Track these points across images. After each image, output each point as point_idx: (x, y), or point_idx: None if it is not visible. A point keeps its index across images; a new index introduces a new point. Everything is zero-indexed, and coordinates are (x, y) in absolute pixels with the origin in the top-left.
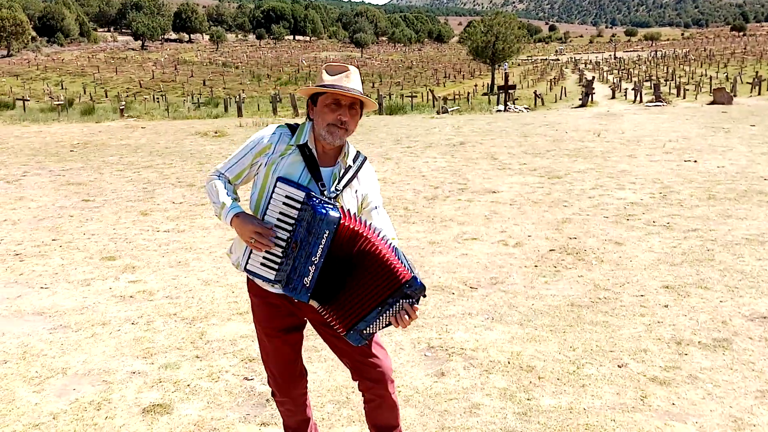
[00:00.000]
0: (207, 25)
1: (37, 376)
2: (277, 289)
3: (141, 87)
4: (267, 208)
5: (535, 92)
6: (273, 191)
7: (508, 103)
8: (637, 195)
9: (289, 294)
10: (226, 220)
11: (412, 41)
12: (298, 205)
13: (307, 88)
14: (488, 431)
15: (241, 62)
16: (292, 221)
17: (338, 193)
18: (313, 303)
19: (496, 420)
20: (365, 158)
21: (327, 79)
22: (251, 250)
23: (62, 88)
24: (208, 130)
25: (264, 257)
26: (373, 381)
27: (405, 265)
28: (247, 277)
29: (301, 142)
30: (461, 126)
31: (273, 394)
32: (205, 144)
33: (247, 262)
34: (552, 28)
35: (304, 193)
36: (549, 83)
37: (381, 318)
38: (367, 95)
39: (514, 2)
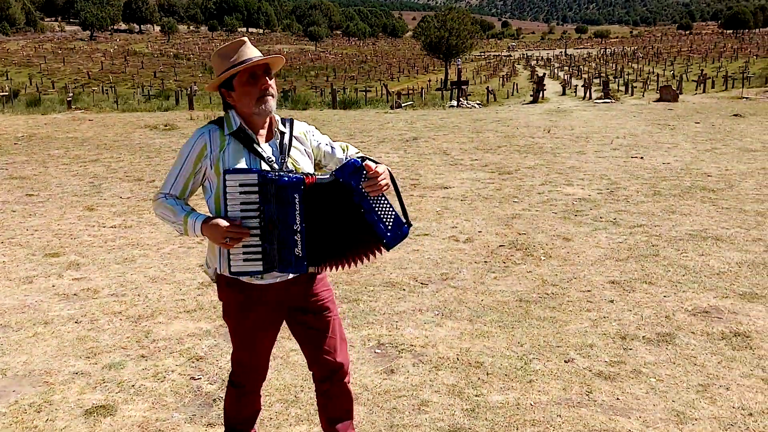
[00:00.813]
0: (158, 15)
1: None
2: (266, 280)
3: (89, 78)
4: (227, 204)
5: (487, 88)
6: (225, 186)
7: (461, 98)
8: (585, 191)
9: (286, 271)
10: (194, 233)
11: (367, 35)
12: (256, 188)
13: (216, 80)
14: (436, 428)
15: (193, 54)
16: (256, 205)
17: (284, 161)
18: (312, 269)
19: (445, 417)
20: (292, 119)
21: (225, 62)
22: (228, 253)
23: (7, 79)
24: (158, 123)
25: (244, 252)
26: (334, 370)
27: (329, 173)
28: (228, 278)
29: (234, 129)
30: (414, 121)
31: (236, 386)
32: (155, 137)
33: (230, 265)
34: (505, 25)
35: (256, 174)
36: (501, 79)
37: (374, 209)
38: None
39: None
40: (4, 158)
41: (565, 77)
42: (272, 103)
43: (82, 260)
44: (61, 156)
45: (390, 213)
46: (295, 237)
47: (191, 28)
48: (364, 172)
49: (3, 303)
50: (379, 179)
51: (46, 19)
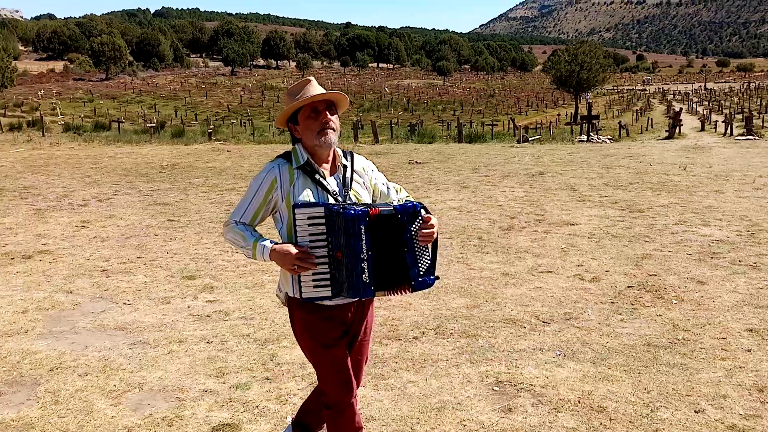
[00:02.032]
0: (294, 52)
1: (115, 390)
2: (334, 302)
3: (229, 111)
4: (296, 235)
5: (619, 123)
6: (295, 219)
7: (591, 133)
8: (723, 232)
9: (356, 296)
10: (263, 258)
11: (495, 69)
12: (323, 220)
13: (283, 113)
14: None
15: (325, 89)
16: (324, 236)
17: (347, 193)
18: (380, 294)
19: None
20: (352, 152)
21: (293, 97)
22: (300, 280)
23: (155, 111)
24: None
25: (314, 280)
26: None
27: (391, 206)
28: (296, 303)
29: (301, 163)
30: (541, 156)
31: (331, 406)
32: None
33: (301, 291)
34: (640, 58)
35: (323, 207)
36: (635, 114)
37: (416, 252)
38: (337, 90)
39: (600, 31)
40: (149, 185)
41: (704, 112)
42: (332, 136)
43: (215, 283)
44: (200, 184)
45: (426, 260)
46: (362, 265)
47: (324, 63)
48: (420, 217)
49: (143, 321)
50: (430, 228)
51: (191, 56)
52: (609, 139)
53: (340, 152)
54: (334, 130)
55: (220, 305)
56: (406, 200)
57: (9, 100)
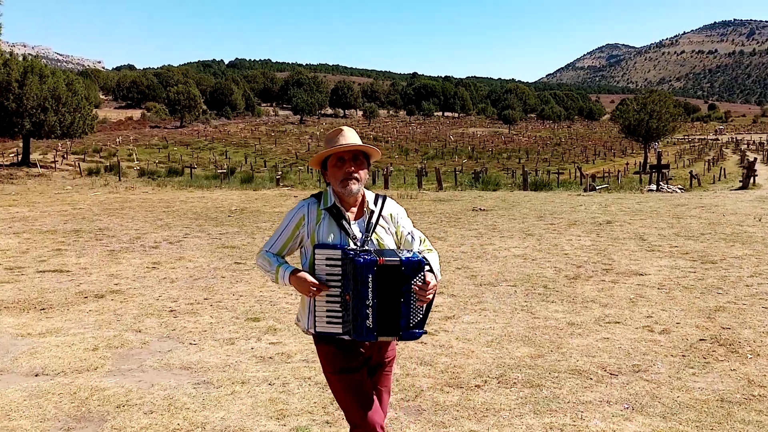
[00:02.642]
0: (361, 101)
1: (178, 429)
2: (347, 336)
3: (297, 158)
4: (315, 272)
5: (690, 172)
6: (315, 258)
7: (660, 182)
8: None
9: (359, 339)
10: (284, 282)
11: (562, 118)
12: (339, 262)
13: (314, 158)
14: None
15: (390, 137)
16: (339, 276)
17: (369, 238)
18: (384, 339)
19: None
20: (385, 197)
21: (328, 145)
22: (315, 315)
23: (226, 158)
24: None
25: (327, 315)
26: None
27: (398, 257)
28: (316, 334)
29: (328, 205)
30: (609, 204)
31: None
32: None
33: (315, 325)
34: (711, 107)
35: (339, 251)
36: (707, 164)
37: (412, 306)
38: (368, 144)
39: (670, 81)
40: (218, 229)
41: None
42: (354, 186)
43: (279, 326)
44: (267, 228)
45: (418, 315)
46: (367, 311)
47: (391, 112)
48: (422, 274)
49: (208, 361)
50: (428, 289)
51: (262, 105)
52: (679, 188)
53: (371, 197)
54: (357, 180)
55: (283, 347)
56: (418, 253)
57: (89, 146)
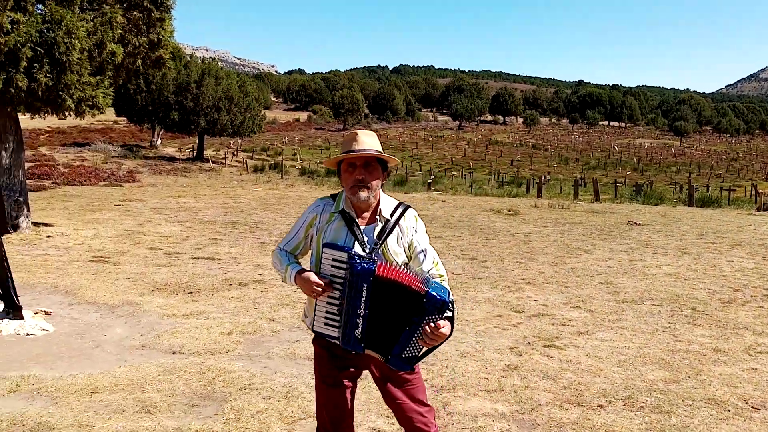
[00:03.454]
0: (522, 108)
1: (291, 416)
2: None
3: (452, 164)
4: (320, 272)
5: None
6: (322, 256)
7: None
8: None
9: (345, 347)
10: (291, 281)
11: (741, 132)
12: (344, 265)
13: (328, 160)
14: None
15: (551, 145)
16: (341, 280)
17: (377, 247)
18: (370, 352)
19: None
20: (407, 207)
21: (344, 148)
22: (315, 312)
23: None
24: (502, 208)
25: (326, 317)
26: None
27: (424, 286)
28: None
29: (340, 209)
30: None
31: None
32: (497, 221)
33: (314, 324)
34: None
35: (346, 254)
36: None
37: (414, 340)
38: (386, 152)
39: None
40: None
41: None
42: (363, 194)
43: None
44: None
45: (415, 350)
46: (357, 320)
47: (553, 120)
48: (439, 315)
49: None
50: (436, 334)
51: (423, 110)
52: None
53: (389, 205)
54: (368, 188)
55: None
56: (442, 285)
57: (257, 145)
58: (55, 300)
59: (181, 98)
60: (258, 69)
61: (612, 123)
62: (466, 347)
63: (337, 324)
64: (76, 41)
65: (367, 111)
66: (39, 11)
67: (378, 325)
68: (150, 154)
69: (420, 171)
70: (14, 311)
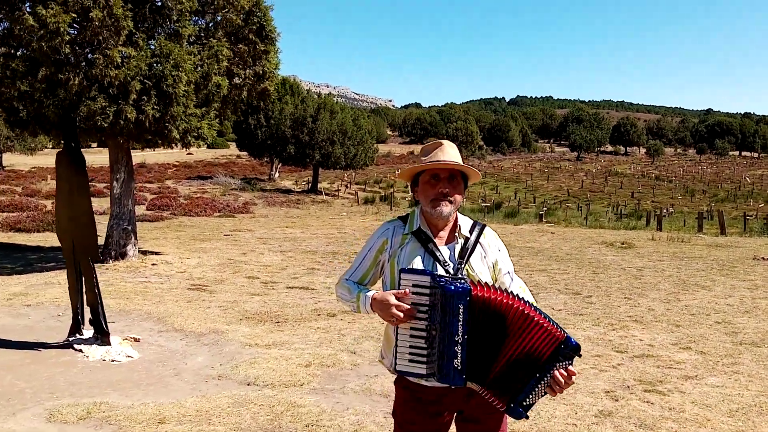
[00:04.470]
0: (645, 138)
1: None
2: (431, 382)
3: (568, 195)
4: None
5: None
6: (399, 284)
7: None
8: None
9: (444, 382)
10: (366, 309)
11: None
12: (427, 290)
13: (405, 172)
14: None
15: (675, 176)
16: (426, 307)
17: (461, 267)
18: (472, 385)
19: None
20: (484, 225)
21: (423, 159)
22: (396, 351)
23: (496, 193)
24: (615, 240)
25: (410, 353)
26: None
27: (555, 325)
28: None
29: (414, 229)
30: None
31: None
32: (608, 254)
33: (396, 363)
34: None
35: (429, 277)
36: None
37: (540, 385)
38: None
39: None
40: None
41: None
42: (446, 209)
43: None
44: (513, 263)
45: (538, 397)
46: (456, 348)
47: (678, 150)
48: (571, 360)
49: None
50: (571, 383)
51: (539, 141)
52: None
53: (466, 223)
54: (451, 202)
55: None
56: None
57: (371, 177)
58: (146, 327)
59: (297, 132)
60: (375, 103)
61: (743, 153)
62: None
63: (424, 359)
64: (183, 74)
65: (481, 143)
66: (149, 46)
67: (484, 354)
68: (267, 187)
69: (534, 203)
70: (102, 337)
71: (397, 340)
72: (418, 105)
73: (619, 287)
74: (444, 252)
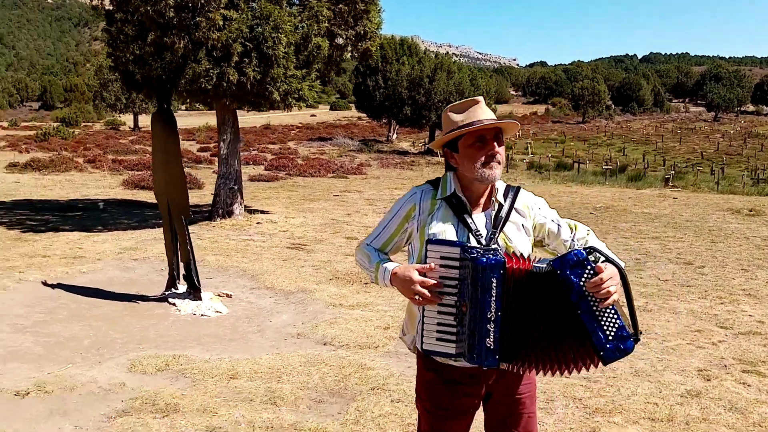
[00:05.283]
0: None
1: (412, 425)
2: (460, 363)
3: (702, 158)
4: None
5: None
6: (426, 255)
7: None
8: None
9: (475, 363)
10: (384, 282)
11: None
12: (457, 263)
13: (442, 138)
14: None
15: None
16: (455, 281)
17: (495, 236)
18: (504, 365)
19: None
20: (519, 188)
21: (458, 119)
22: (423, 326)
23: (623, 154)
24: (742, 207)
25: (438, 330)
26: None
27: (545, 264)
28: (420, 353)
29: (447, 194)
30: None
31: None
32: (732, 222)
33: (422, 341)
34: None
35: (459, 248)
36: None
37: (594, 312)
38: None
39: None
40: None
41: None
42: (498, 171)
43: None
44: (625, 229)
45: (614, 321)
46: (488, 326)
47: None
48: (589, 267)
49: None
50: (604, 282)
51: (673, 101)
52: None
53: (501, 187)
54: (500, 163)
55: None
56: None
57: None
58: (240, 283)
59: (413, 93)
60: (499, 63)
61: None
62: (643, 365)
63: (454, 338)
64: (283, 36)
65: (609, 102)
66: (250, 8)
67: (521, 329)
68: (384, 149)
69: (663, 166)
70: (194, 292)
71: (423, 316)
72: (543, 64)
73: (738, 258)
74: (479, 220)
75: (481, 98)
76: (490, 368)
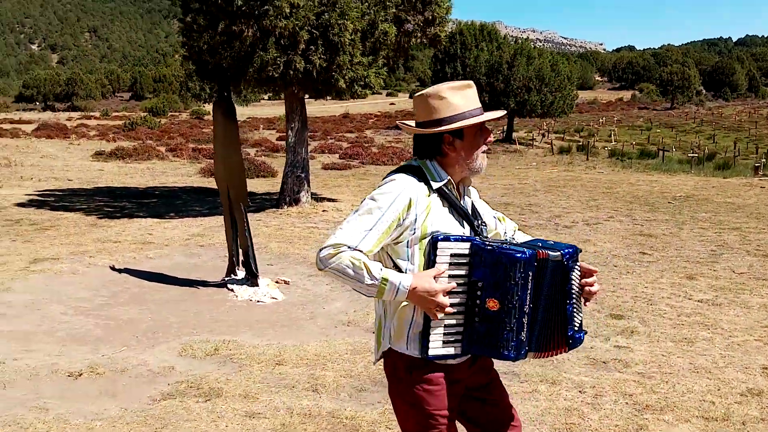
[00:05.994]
0: None
1: None
2: (457, 360)
3: None
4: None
5: None
6: (435, 255)
7: None
8: None
9: (507, 359)
10: (401, 297)
11: None
12: (466, 260)
13: (456, 126)
14: None
15: None
16: (464, 279)
17: (484, 223)
18: (531, 355)
19: None
20: None
21: (460, 103)
22: (429, 334)
23: (713, 142)
24: None
25: (445, 333)
26: None
27: (557, 251)
28: (413, 359)
29: (441, 184)
30: None
31: None
32: None
33: (427, 348)
34: None
35: (469, 244)
36: None
37: (574, 305)
38: None
39: None
40: (647, 215)
41: None
42: (486, 161)
43: (640, 328)
44: (704, 219)
45: (581, 313)
46: (523, 319)
47: None
48: (579, 263)
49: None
50: (594, 281)
51: None
52: None
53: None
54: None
55: (626, 354)
56: (533, 238)
57: (571, 126)
58: (299, 270)
59: (492, 80)
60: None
61: None
62: (704, 361)
63: (459, 337)
64: (349, 22)
65: (700, 88)
66: None
67: (540, 318)
68: None
69: (755, 154)
70: (252, 278)
71: (426, 322)
72: (631, 48)
73: None
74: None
75: (466, 81)
76: (519, 360)
